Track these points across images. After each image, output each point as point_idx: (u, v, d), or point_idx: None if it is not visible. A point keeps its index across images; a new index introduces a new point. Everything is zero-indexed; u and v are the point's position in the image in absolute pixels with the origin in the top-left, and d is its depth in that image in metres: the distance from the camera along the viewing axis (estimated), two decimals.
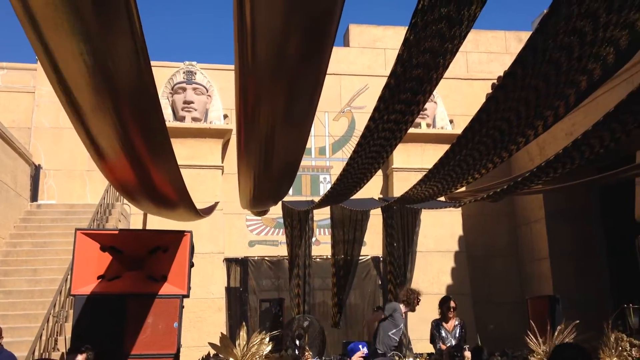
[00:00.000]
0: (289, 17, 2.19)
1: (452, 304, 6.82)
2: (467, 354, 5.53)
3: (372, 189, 11.06)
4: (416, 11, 2.37)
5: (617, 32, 2.53)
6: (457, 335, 6.60)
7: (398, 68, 2.74)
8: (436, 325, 6.80)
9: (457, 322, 6.74)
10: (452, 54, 2.66)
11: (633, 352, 5.60)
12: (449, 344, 6.47)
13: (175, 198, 4.44)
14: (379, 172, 11.72)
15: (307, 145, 11.95)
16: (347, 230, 8.62)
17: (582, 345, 2.90)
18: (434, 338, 6.74)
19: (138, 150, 3.20)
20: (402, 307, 6.78)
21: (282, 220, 9.33)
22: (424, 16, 2.38)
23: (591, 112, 8.09)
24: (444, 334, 6.63)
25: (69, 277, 6.36)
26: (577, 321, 5.74)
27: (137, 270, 5.56)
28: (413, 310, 6.89)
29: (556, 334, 5.73)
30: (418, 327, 8.65)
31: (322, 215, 10.15)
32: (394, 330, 6.61)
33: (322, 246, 10.92)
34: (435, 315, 7.06)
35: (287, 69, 2.56)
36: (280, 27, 2.27)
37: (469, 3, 2.32)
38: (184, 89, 10.67)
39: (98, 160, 3.61)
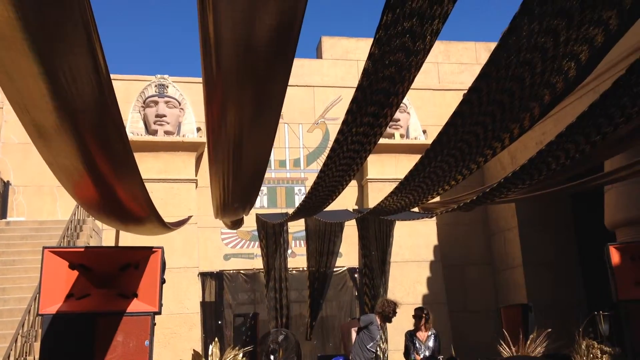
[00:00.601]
0: (251, 27, 2.20)
1: (425, 314, 6.83)
2: None
3: (347, 199, 11.07)
4: (380, 26, 2.38)
5: (578, 47, 2.58)
6: (430, 345, 6.61)
7: (364, 81, 2.75)
8: (410, 336, 6.81)
9: (430, 333, 6.76)
10: (417, 67, 2.68)
11: (604, 359, 5.68)
12: (422, 355, 6.47)
13: (142, 213, 4.38)
14: (354, 183, 11.75)
15: (282, 157, 12.05)
16: (322, 242, 8.60)
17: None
18: (408, 349, 6.74)
19: (101, 168, 3.16)
20: (377, 318, 6.77)
21: (257, 233, 9.27)
22: (387, 30, 2.39)
23: (561, 121, 8.23)
24: (417, 345, 6.64)
25: (37, 296, 6.20)
26: (549, 330, 5.80)
27: (107, 288, 5.45)
28: (389, 321, 6.88)
29: (528, 342, 5.79)
30: (394, 337, 8.65)
31: (297, 227, 10.12)
32: (372, 344, 6.59)
33: (297, 258, 10.88)
34: (410, 325, 7.07)
35: (250, 77, 2.56)
36: (243, 37, 2.27)
37: (431, 18, 2.34)
38: (156, 103, 10.58)
39: (62, 179, 3.56)
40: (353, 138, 3.25)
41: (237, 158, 3.69)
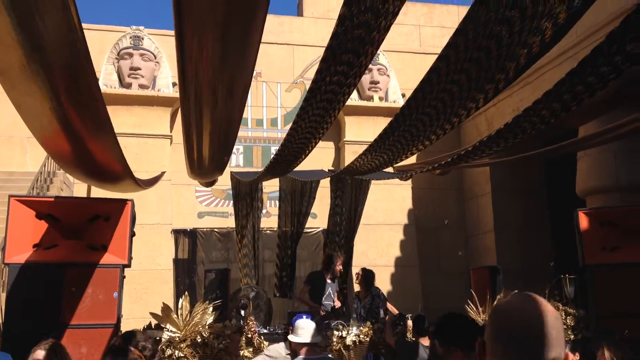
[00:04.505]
0: None
1: (356, 274, 7.34)
2: (409, 322, 5.61)
3: (323, 160, 11.04)
4: None
5: (556, 7, 2.54)
6: (368, 305, 6.89)
7: (339, 28, 2.68)
8: (355, 297, 7.30)
9: (368, 293, 7.05)
10: (394, 15, 2.61)
11: (568, 320, 5.81)
12: (358, 314, 6.79)
13: (117, 170, 4.28)
14: (331, 145, 11.70)
15: (259, 117, 11.87)
16: (296, 202, 8.57)
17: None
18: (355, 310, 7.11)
19: (72, 121, 3.06)
20: (325, 274, 7.09)
21: (231, 192, 9.20)
22: None
23: (538, 87, 8.22)
24: (356, 305, 7.02)
25: (4, 245, 6.11)
26: (516, 291, 5.89)
27: (76, 240, 5.39)
28: (335, 276, 7.17)
29: (495, 303, 5.89)
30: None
31: (272, 187, 10.07)
32: (323, 297, 6.88)
33: (272, 218, 10.86)
34: (382, 287, 7.24)
35: (222, 25, 2.47)
36: None
37: None
38: (131, 55, 10.29)
39: (33, 130, 3.45)
40: (327, 87, 3.19)
41: (211, 112, 3.59)
